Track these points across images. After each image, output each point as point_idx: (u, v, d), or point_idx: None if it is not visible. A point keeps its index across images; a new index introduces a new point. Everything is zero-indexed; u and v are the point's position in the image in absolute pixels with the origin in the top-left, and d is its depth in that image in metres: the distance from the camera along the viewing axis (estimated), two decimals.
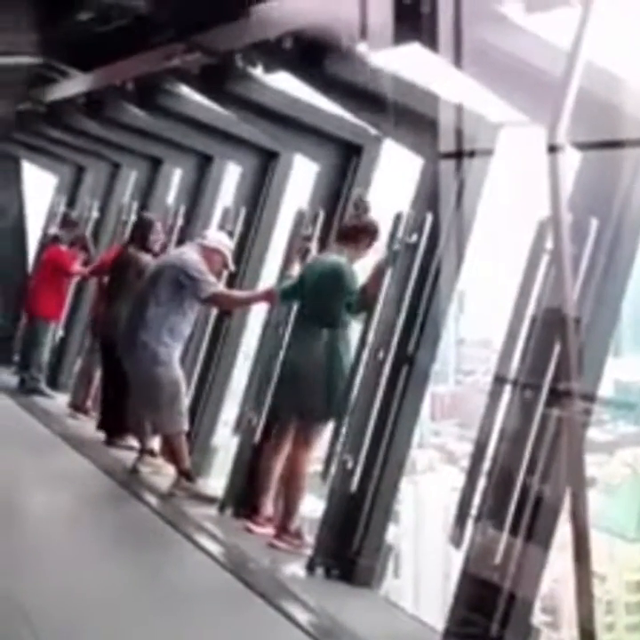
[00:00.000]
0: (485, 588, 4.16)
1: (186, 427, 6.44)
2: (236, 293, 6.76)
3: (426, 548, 6.72)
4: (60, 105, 8.32)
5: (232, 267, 6.59)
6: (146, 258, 7.20)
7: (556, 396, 3.85)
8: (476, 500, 4.32)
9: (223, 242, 6.54)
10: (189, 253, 6.44)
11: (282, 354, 6.17)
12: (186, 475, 6.41)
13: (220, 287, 6.51)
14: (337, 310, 5.53)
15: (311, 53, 4.97)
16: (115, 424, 7.61)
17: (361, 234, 5.60)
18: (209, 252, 6.42)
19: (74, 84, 7.55)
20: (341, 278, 5.54)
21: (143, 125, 7.88)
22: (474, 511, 4.30)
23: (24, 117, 9.31)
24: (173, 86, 6.82)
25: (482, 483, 4.26)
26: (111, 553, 5.40)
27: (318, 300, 5.60)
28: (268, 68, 5.41)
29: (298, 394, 5.60)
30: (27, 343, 9.89)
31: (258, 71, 5.70)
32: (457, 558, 4.52)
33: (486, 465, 4.22)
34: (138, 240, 7.45)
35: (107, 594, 4.74)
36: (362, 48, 4.82)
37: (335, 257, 5.63)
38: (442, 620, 4.42)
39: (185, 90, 6.80)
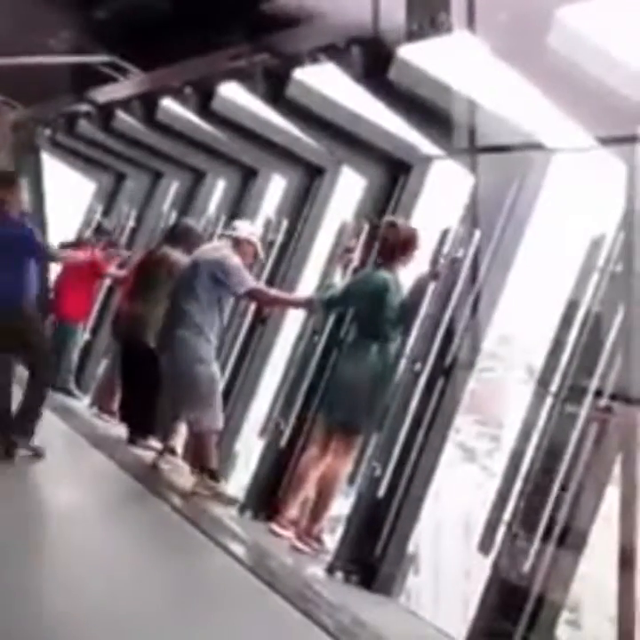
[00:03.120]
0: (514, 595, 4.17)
1: (221, 425, 6.44)
2: (275, 292, 6.74)
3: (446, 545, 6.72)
4: (111, 107, 8.45)
5: (262, 255, 6.66)
6: (176, 255, 7.20)
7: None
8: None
9: (254, 232, 6.59)
10: (223, 249, 6.47)
11: (315, 362, 6.27)
12: (211, 474, 6.40)
13: (258, 283, 6.56)
14: (385, 324, 5.58)
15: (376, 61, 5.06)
16: (137, 423, 7.62)
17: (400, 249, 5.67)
18: (241, 244, 6.45)
19: (130, 85, 7.67)
20: (388, 293, 5.58)
21: (193, 134, 7.98)
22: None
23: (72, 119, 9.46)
24: (229, 92, 6.92)
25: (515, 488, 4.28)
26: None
27: (368, 313, 5.65)
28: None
29: (347, 405, 5.59)
30: (57, 345, 9.93)
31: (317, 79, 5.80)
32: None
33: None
34: (172, 240, 7.45)
35: None
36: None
37: (382, 272, 5.68)
38: None
39: (240, 98, 6.90)
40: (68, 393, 9.52)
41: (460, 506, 6.62)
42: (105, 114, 8.71)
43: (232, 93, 6.85)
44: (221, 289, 6.34)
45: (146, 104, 7.88)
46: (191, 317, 6.34)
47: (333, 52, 5.13)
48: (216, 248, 6.57)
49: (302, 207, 7.32)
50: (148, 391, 7.27)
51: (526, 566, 4.16)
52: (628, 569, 3.33)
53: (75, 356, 9.71)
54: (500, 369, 6.79)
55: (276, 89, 5.96)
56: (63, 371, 9.63)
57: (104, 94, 8.27)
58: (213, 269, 6.32)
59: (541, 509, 4.11)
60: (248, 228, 6.61)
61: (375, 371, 5.55)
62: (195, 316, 6.33)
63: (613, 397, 3.68)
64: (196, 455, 6.51)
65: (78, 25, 6.71)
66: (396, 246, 5.65)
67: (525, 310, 5.87)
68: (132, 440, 7.65)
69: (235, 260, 6.36)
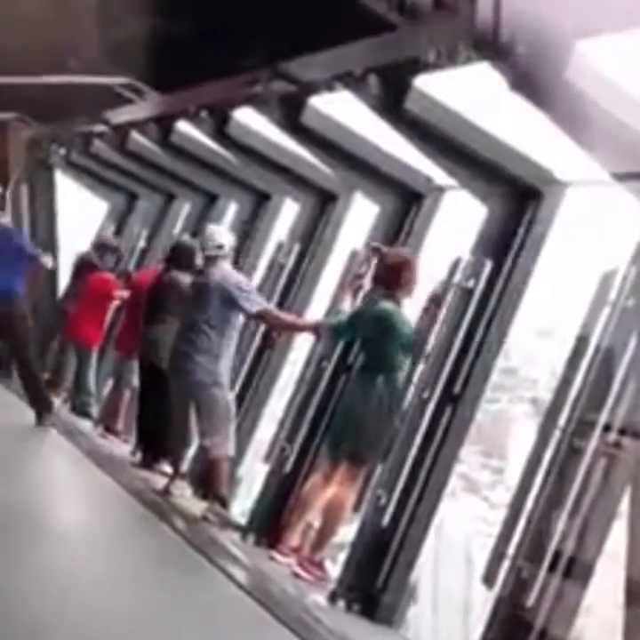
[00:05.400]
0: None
1: (233, 452, 6.38)
2: (284, 315, 6.70)
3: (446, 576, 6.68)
4: (126, 128, 8.49)
5: None
6: (186, 279, 7.12)
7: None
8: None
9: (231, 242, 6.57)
10: (230, 270, 6.44)
11: (323, 388, 6.28)
12: (222, 501, 6.30)
13: (268, 305, 6.53)
14: (393, 353, 5.53)
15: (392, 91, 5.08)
16: (152, 447, 7.51)
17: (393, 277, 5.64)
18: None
19: (146, 107, 7.71)
20: (392, 322, 5.57)
21: (207, 157, 8.02)
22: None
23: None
24: (245, 117, 6.96)
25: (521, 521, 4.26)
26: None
27: (375, 342, 5.62)
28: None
29: (353, 436, 5.55)
30: (76, 370, 9.94)
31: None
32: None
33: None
34: (177, 263, 7.36)
35: None
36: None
37: (384, 303, 5.65)
38: None
39: (255, 123, 6.94)
40: (89, 416, 9.52)
41: (460, 536, 6.59)
42: (120, 135, 8.75)
43: (247, 118, 6.88)
44: (232, 309, 6.26)
45: (161, 126, 7.93)
46: (208, 342, 6.28)
47: (350, 80, 5.16)
48: (220, 268, 6.42)
49: (314, 232, 7.35)
50: (166, 415, 7.16)
51: (531, 599, 4.13)
52: (635, 603, 3.30)
53: (91, 380, 9.72)
54: (505, 400, 6.78)
55: (291, 115, 5.99)
56: (83, 395, 9.66)
57: (120, 115, 8.32)
58: (223, 290, 6.25)
59: (547, 543, 4.08)
60: (229, 237, 6.58)
61: (382, 402, 5.50)
62: (212, 341, 6.27)
63: (622, 432, 3.66)
64: (209, 481, 6.40)
65: (97, 45, 6.75)
66: (387, 273, 5.64)
67: (533, 342, 5.86)
68: (145, 464, 7.55)
69: (243, 278, 6.41)
